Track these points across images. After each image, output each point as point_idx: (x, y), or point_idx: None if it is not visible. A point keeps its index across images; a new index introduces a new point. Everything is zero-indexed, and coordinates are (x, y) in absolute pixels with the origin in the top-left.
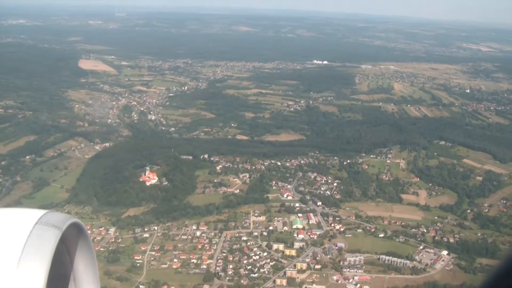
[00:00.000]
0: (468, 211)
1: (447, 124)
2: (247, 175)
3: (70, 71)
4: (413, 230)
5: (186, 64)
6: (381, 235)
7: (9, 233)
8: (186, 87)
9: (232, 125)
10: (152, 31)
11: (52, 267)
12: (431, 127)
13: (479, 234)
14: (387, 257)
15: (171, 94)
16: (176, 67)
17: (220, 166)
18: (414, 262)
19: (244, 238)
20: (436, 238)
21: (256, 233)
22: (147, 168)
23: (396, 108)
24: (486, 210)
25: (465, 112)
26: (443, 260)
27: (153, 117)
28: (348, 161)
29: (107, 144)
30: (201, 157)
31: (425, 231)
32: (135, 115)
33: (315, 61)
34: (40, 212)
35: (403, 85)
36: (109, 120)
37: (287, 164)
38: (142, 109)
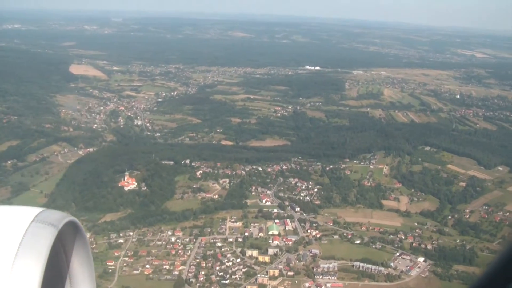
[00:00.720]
0: (449, 217)
1: (434, 129)
2: (227, 180)
3: (60, 76)
4: (391, 236)
5: (177, 70)
6: (358, 242)
7: (5, 231)
8: (175, 93)
9: (218, 130)
10: (146, 37)
11: (48, 265)
12: (417, 132)
13: (458, 241)
14: (361, 264)
15: (159, 100)
16: (167, 72)
17: (201, 171)
18: (389, 269)
19: (219, 244)
20: (414, 244)
21: (231, 239)
22: (126, 173)
23: (384, 113)
24: (467, 216)
25: (452, 118)
26: (419, 267)
27: (139, 122)
28: (331, 166)
29: (91, 149)
30: (182, 162)
31: (403, 237)
32: (121, 120)
33: (307, 67)
34: (36, 210)
35: (392, 91)
36: (95, 125)
37: (269, 169)
38: (129, 114)
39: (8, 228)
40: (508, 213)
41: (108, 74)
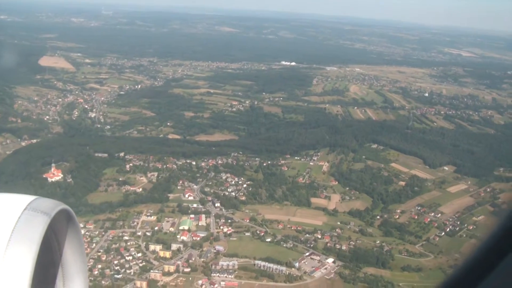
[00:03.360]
0: (378, 217)
1: (387, 127)
2: (156, 174)
3: (27, 68)
4: (307, 235)
5: (150, 63)
6: (268, 240)
7: None
8: (139, 86)
9: (168, 124)
10: (131, 30)
11: (40, 254)
12: (368, 130)
13: (377, 242)
14: (263, 263)
15: (121, 92)
16: (139, 65)
17: (131, 164)
18: (293, 269)
19: (126, 237)
20: (329, 244)
21: (140, 233)
22: (53, 165)
23: (342, 110)
24: (397, 217)
25: (411, 116)
26: (325, 268)
27: (93, 115)
28: (269, 162)
29: (34, 141)
30: (116, 155)
31: (320, 237)
32: (76, 113)
33: (283, 62)
34: (29, 198)
35: (359, 88)
36: (47, 117)
37: (203, 164)
38: (86, 106)
39: (0, 216)
40: (440, 214)
41: (77, 67)
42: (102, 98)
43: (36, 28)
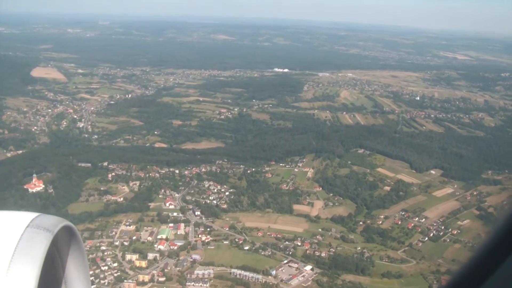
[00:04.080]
0: (361, 223)
1: (375, 132)
2: (138, 183)
3: (19, 79)
4: (286, 243)
5: (143, 72)
6: (246, 248)
7: (0, 236)
8: (130, 95)
9: (156, 133)
10: (126, 40)
11: (43, 271)
12: (355, 135)
13: (358, 248)
14: (240, 271)
15: (112, 102)
16: (131, 75)
17: (113, 174)
18: (270, 277)
19: (103, 247)
20: (308, 252)
21: (117, 243)
22: (34, 175)
23: (331, 115)
24: (380, 223)
25: (401, 120)
26: (303, 276)
27: (81, 125)
28: (253, 169)
29: (20, 152)
30: (99, 164)
31: (299, 244)
32: (64, 123)
33: (275, 69)
34: (31, 215)
35: (350, 93)
36: (35, 128)
37: (186, 172)
38: (75, 116)
39: (3, 234)
40: (424, 219)
41: (69, 77)
42: (92, 108)
43: (32, 39)
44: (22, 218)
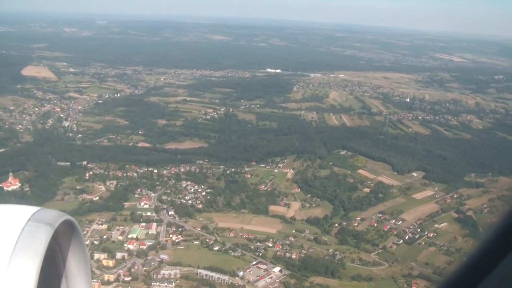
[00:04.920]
0: (336, 224)
1: (360, 133)
2: (115, 182)
3: (9, 77)
4: (258, 243)
5: (134, 72)
6: (216, 248)
7: (1, 230)
8: (119, 94)
9: (140, 132)
10: (122, 39)
11: (44, 265)
12: (339, 136)
13: (330, 251)
14: (206, 272)
15: (100, 101)
16: (122, 74)
17: (91, 173)
18: (236, 278)
19: None
20: (279, 253)
21: (87, 242)
22: (11, 173)
23: (317, 116)
24: (356, 224)
25: (387, 122)
26: (270, 277)
27: (67, 124)
28: (233, 169)
29: (1, 150)
30: (78, 163)
31: (271, 245)
32: (50, 122)
33: (268, 70)
34: (32, 209)
35: (339, 94)
36: (19, 126)
37: (165, 172)
38: (62, 115)
39: (4, 227)
40: (401, 222)
41: (59, 76)
42: (79, 107)
43: (27, 38)
44: (23, 212)
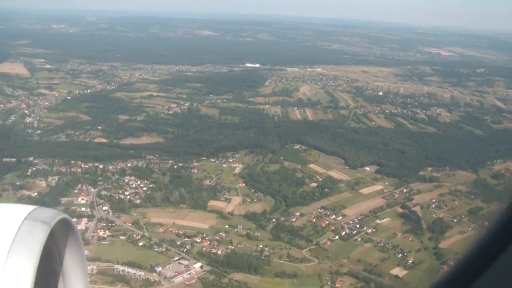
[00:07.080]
0: (273, 220)
1: (319, 127)
2: (57, 178)
3: None
4: (186, 239)
5: (111, 67)
6: (141, 244)
7: None
8: (89, 90)
9: (99, 128)
10: (108, 35)
11: (41, 263)
12: (297, 130)
13: (260, 246)
14: (123, 268)
15: (68, 97)
16: (98, 70)
17: (34, 168)
18: (154, 274)
19: None
20: (205, 249)
21: None
22: None
23: (280, 111)
24: (294, 220)
25: (351, 115)
26: (189, 273)
27: (29, 120)
28: (180, 164)
29: None
30: (23, 160)
31: (199, 241)
32: (13, 118)
33: (247, 64)
34: (29, 208)
35: (310, 88)
36: None
37: (110, 167)
38: (26, 112)
39: (0, 226)
40: (341, 217)
41: (32, 72)
42: (46, 103)
43: (11, 35)
44: (20, 210)
